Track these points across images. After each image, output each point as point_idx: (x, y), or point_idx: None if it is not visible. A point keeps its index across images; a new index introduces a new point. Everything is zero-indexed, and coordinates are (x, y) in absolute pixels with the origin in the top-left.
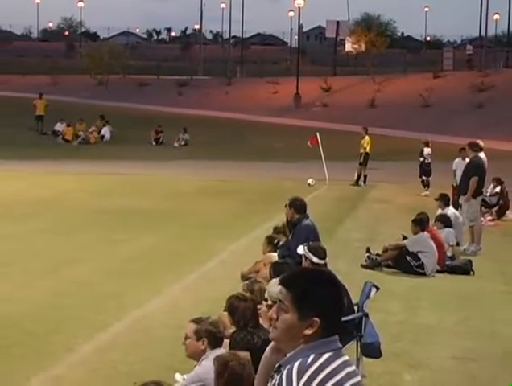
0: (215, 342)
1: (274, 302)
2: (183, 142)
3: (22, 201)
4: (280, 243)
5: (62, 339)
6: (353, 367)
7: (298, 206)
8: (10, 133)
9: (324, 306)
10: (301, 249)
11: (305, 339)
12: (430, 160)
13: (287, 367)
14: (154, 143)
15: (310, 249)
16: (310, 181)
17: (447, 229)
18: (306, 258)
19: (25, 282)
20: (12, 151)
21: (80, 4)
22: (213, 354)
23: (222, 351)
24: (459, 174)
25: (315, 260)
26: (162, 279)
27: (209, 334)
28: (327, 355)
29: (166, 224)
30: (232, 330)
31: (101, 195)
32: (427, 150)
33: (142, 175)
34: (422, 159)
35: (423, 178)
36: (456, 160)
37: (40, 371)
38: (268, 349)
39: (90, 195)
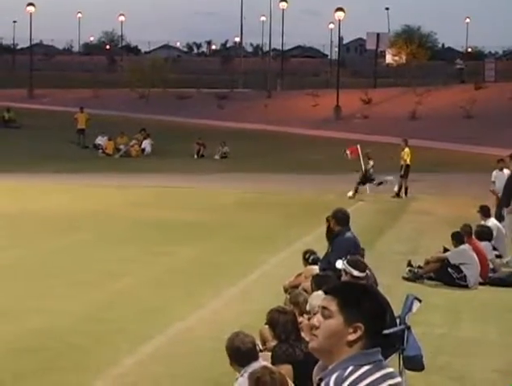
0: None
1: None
2: (223, 155)
3: (65, 214)
4: (311, 257)
5: (105, 352)
6: (396, 380)
7: (340, 217)
8: (52, 147)
9: (368, 314)
10: (340, 264)
11: (347, 346)
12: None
13: (325, 380)
14: (195, 156)
15: (350, 263)
16: (350, 193)
17: (484, 243)
18: (346, 272)
19: (68, 295)
20: (54, 165)
21: (121, 18)
22: (249, 369)
23: (259, 364)
24: (498, 185)
25: (355, 273)
26: (203, 292)
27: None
28: (366, 367)
29: (207, 237)
30: (273, 343)
31: (143, 208)
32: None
33: (183, 188)
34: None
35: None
36: (494, 172)
37: (83, 384)
38: (316, 367)
39: (132, 208)
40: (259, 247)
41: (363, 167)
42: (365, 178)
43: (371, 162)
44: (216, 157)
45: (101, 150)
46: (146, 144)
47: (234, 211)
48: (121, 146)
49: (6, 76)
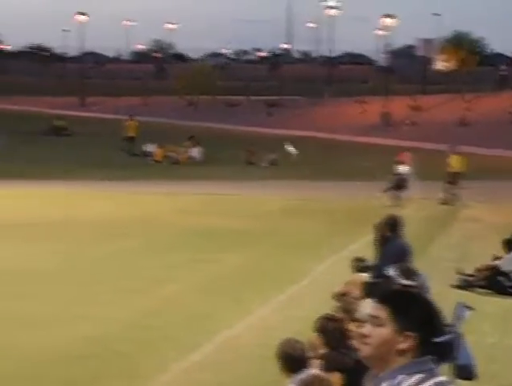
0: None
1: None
2: (272, 162)
3: (113, 221)
4: (360, 265)
5: (152, 360)
6: None
7: (391, 224)
8: (102, 154)
9: (419, 322)
10: (390, 271)
11: (398, 354)
12: (406, 176)
13: None
14: (245, 163)
15: (400, 271)
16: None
17: None
18: (396, 280)
19: (115, 301)
20: (104, 172)
21: (170, 26)
22: (299, 377)
23: (310, 372)
24: None
25: (405, 281)
26: (251, 299)
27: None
28: (417, 376)
29: (253, 244)
30: (323, 351)
31: (191, 215)
32: (401, 167)
33: (231, 195)
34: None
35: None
36: None
37: None
38: (367, 376)
39: (180, 215)
40: (306, 254)
41: (402, 172)
42: (399, 184)
43: (403, 168)
44: (265, 164)
45: (150, 158)
46: (195, 151)
47: (281, 218)
48: (171, 154)
49: (57, 85)
